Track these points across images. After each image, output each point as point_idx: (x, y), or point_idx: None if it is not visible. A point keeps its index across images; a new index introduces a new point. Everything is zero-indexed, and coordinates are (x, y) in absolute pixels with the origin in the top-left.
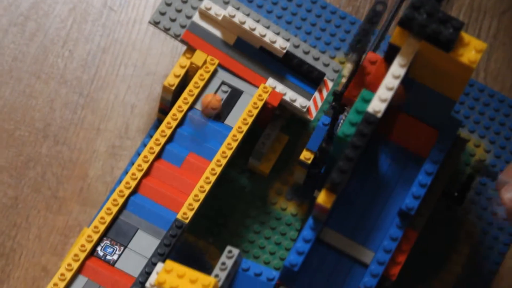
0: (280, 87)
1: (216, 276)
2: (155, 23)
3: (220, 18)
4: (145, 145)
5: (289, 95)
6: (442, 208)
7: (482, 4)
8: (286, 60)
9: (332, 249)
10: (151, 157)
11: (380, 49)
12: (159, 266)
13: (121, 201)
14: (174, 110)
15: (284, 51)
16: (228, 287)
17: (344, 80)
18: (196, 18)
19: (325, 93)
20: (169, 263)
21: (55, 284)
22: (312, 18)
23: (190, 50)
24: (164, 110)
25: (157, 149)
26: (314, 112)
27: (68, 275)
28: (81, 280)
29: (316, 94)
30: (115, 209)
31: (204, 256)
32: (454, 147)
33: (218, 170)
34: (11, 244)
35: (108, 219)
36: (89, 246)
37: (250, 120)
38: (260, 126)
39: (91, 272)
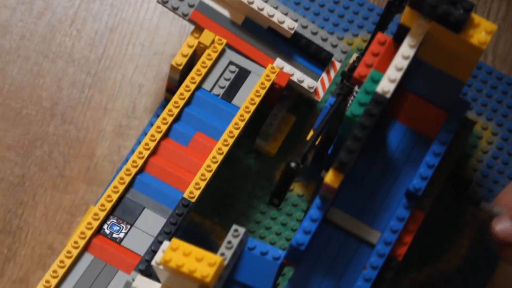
0: (287, 68)
1: (222, 254)
2: (163, 2)
3: None
4: (152, 125)
5: (297, 75)
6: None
7: None
8: (294, 41)
9: (339, 229)
10: (158, 136)
11: (388, 30)
12: (165, 244)
13: (127, 179)
14: (181, 89)
15: (292, 31)
16: (233, 265)
17: (351, 61)
18: None
19: (332, 74)
20: (175, 241)
21: (62, 262)
22: None
23: (198, 29)
24: (171, 89)
25: (164, 128)
26: (321, 93)
27: (75, 252)
28: (87, 257)
29: (324, 75)
30: (121, 188)
31: (210, 236)
32: (462, 128)
33: (225, 149)
34: (17, 222)
35: (115, 197)
36: (95, 224)
37: (257, 100)
38: (268, 106)
39: (97, 250)
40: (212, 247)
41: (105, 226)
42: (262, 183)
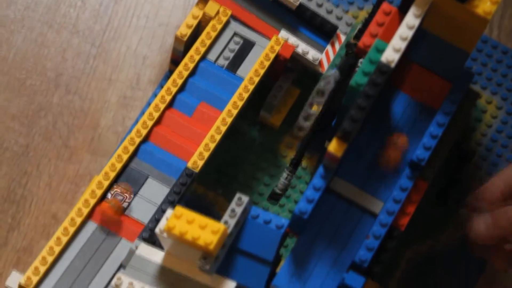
0: (292, 39)
1: (225, 222)
2: None
3: None
4: (156, 96)
5: (301, 47)
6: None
7: None
8: (299, 13)
9: (341, 198)
10: (162, 106)
11: (393, 3)
12: (169, 212)
13: (131, 148)
14: (186, 59)
15: (297, 3)
16: (237, 234)
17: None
18: None
19: (337, 46)
20: (179, 209)
21: (65, 229)
22: None
23: (203, 0)
24: (176, 61)
25: (168, 98)
26: (326, 65)
27: (78, 220)
28: (91, 225)
29: (329, 47)
30: (125, 157)
31: (213, 207)
32: (466, 99)
33: (229, 120)
34: (22, 192)
35: (119, 166)
36: (99, 193)
37: (262, 72)
38: (272, 78)
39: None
40: (216, 219)
41: (109, 195)
42: (266, 155)
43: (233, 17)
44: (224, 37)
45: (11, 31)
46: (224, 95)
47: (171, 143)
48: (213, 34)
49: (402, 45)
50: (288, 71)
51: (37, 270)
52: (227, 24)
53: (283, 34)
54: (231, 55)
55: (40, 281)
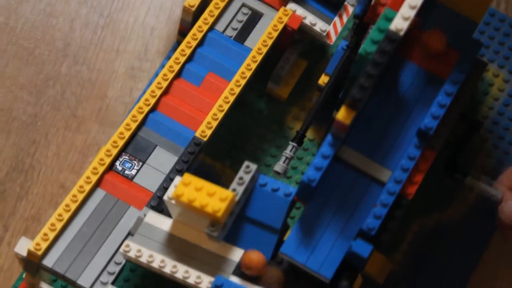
0: (300, 11)
1: (234, 190)
2: None
3: None
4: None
5: (309, 19)
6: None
7: None
8: None
9: (349, 167)
10: (170, 76)
11: None
12: (177, 179)
13: (140, 117)
14: (194, 30)
15: None
16: (245, 202)
17: None
18: None
19: (345, 18)
20: (187, 176)
21: (74, 196)
22: None
23: None
24: (183, 32)
25: (176, 68)
26: (333, 37)
27: (87, 187)
28: (100, 193)
29: (336, 19)
30: (134, 125)
31: (221, 178)
32: (473, 69)
33: (237, 90)
34: (30, 161)
35: (127, 134)
36: (108, 160)
37: (269, 42)
38: (279, 50)
39: (109, 186)
40: None
41: (117, 163)
42: (273, 127)
43: None
44: (232, 8)
45: (19, 1)
46: (232, 65)
47: (179, 112)
48: (222, 5)
49: (411, 13)
50: (295, 43)
51: (46, 236)
52: None
53: (291, 5)
54: (239, 25)
55: (49, 247)
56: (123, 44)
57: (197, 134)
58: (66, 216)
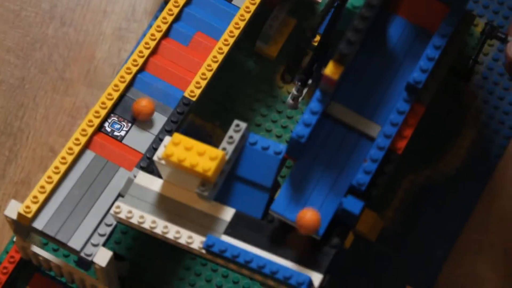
0: None
1: (224, 149)
2: None
3: None
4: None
5: None
6: (450, 93)
7: None
8: None
9: (339, 123)
10: (158, 36)
11: None
12: (167, 139)
13: (128, 78)
14: None
15: None
16: (235, 161)
17: None
18: None
19: None
20: (177, 136)
21: (63, 158)
22: None
23: None
24: None
25: (164, 27)
26: None
27: (76, 149)
28: (89, 154)
29: None
30: (122, 86)
31: (211, 139)
32: (462, 22)
33: (226, 49)
34: (18, 124)
35: (116, 95)
36: (96, 122)
37: (258, 1)
38: (268, 8)
39: (98, 147)
40: None
41: (106, 124)
42: (263, 86)
43: None
44: None
45: None
46: (220, 24)
47: (167, 72)
48: None
49: None
50: (284, 1)
51: (36, 198)
52: None
53: None
54: None
55: (39, 210)
56: (110, 5)
57: (186, 94)
58: (55, 178)
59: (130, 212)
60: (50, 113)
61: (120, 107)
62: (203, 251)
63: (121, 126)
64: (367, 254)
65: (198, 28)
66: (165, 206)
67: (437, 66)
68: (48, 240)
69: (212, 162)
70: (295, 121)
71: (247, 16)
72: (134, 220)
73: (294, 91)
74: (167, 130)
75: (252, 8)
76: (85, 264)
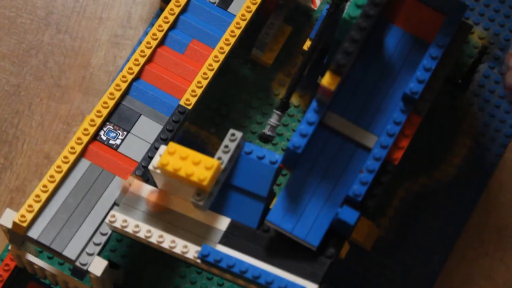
0: None
1: (219, 158)
2: None
3: None
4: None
5: None
6: (446, 100)
7: None
8: None
9: (335, 133)
10: (154, 43)
11: None
12: (162, 148)
13: (123, 86)
14: None
15: None
16: (230, 170)
17: None
18: None
19: None
20: (172, 145)
21: (59, 167)
22: None
23: None
24: None
25: (160, 35)
26: (317, 2)
27: (71, 157)
28: (84, 163)
29: None
30: (117, 94)
31: (206, 146)
32: (459, 32)
33: (221, 57)
34: (14, 132)
35: (111, 104)
36: (92, 130)
37: (253, 8)
38: (264, 16)
39: (94, 156)
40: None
41: (102, 133)
42: (259, 94)
43: None
44: None
45: None
46: (216, 32)
47: (163, 80)
48: None
49: None
50: (280, 8)
51: (31, 207)
52: None
53: None
54: None
55: (34, 219)
56: (105, 11)
57: (182, 102)
58: (50, 187)
59: (125, 221)
60: (46, 120)
61: (115, 115)
62: (198, 260)
63: (117, 134)
64: (362, 262)
65: (193, 36)
66: (161, 215)
67: (434, 77)
68: (43, 249)
69: (208, 171)
70: (291, 128)
71: (243, 24)
72: (129, 229)
73: (272, 120)
74: (163, 139)
75: (248, 15)
76: (80, 273)
